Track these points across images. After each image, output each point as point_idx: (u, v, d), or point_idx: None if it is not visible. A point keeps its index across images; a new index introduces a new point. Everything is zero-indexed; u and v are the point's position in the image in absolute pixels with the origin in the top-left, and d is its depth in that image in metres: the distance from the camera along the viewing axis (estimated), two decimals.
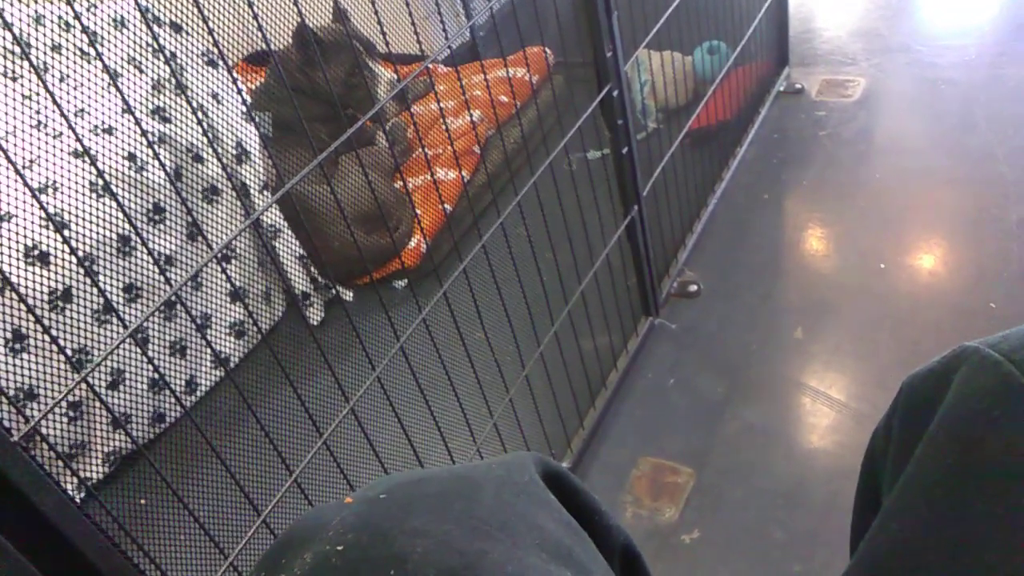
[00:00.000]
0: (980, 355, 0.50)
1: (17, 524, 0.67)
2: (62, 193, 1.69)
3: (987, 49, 2.56)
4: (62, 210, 1.67)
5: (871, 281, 1.87)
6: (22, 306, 1.59)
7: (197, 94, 1.90)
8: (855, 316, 1.80)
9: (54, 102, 0.66)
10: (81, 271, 1.67)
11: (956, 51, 2.58)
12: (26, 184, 0.62)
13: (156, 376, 1.83)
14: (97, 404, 1.75)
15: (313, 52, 2.11)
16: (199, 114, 1.90)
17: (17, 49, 2.02)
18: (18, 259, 1.62)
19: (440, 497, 0.44)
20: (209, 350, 1.95)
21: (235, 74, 1.98)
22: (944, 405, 0.50)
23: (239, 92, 0.94)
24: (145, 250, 1.76)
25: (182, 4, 1.84)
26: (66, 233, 1.66)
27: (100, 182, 1.72)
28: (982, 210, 1.97)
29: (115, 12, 1.89)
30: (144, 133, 0.77)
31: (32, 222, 1.65)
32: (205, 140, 1.88)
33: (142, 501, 1.81)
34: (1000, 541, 0.45)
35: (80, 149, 1.74)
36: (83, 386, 1.65)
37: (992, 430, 0.47)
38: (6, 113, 1.86)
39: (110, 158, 1.76)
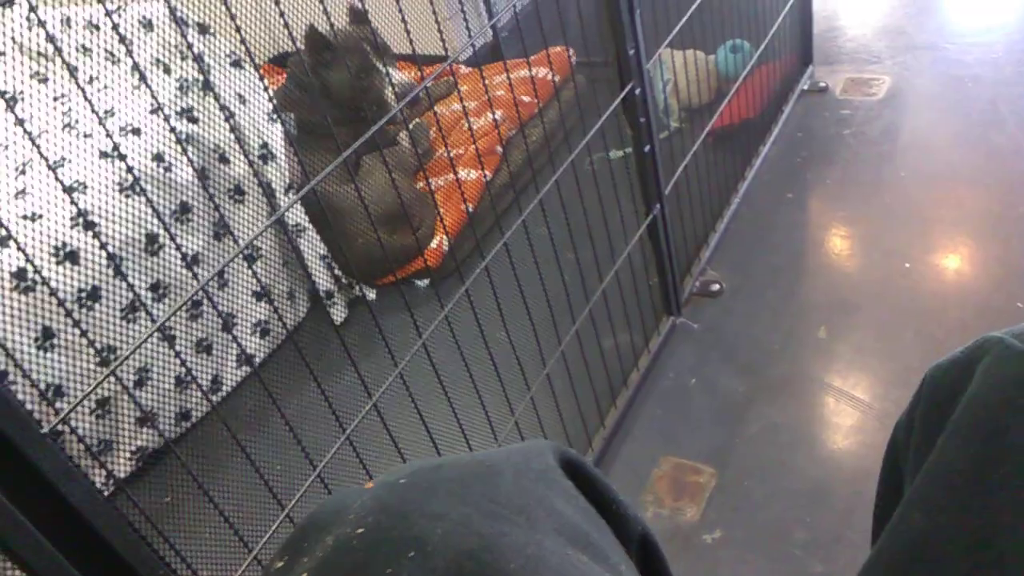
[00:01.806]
0: (1004, 345, 0.50)
1: (47, 516, 0.68)
2: (91, 192, 1.71)
3: (1014, 46, 2.53)
4: (90, 209, 1.70)
5: (896, 280, 1.85)
6: (51, 304, 1.62)
7: (223, 95, 1.92)
8: (879, 315, 1.79)
9: (86, 99, 0.67)
10: (109, 270, 1.69)
11: (982, 48, 2.55)
12: (59, 181, 0.64)
13: (182, 374, 1.85)
14: (123, 402, 1.77)
15: (321, 55, 2.12)
16: (225, 114, 1.92)
17: (47, 50, 2.05)
18: (47, 258, 1.64)
19: (459, 482, 0.44)
20: (234, 349, 1.97)
21: (261, 73, 1.99)
22: (967, 394, 0.50)
23: (265, 90, 0.95)
24: (172, 248, 1.78)
25: (208, 5, 1.86)
26: (95, 231, 1.69)
27: (128, 180, 1.74)
28: (1009, 208, 1.95)
29: (142, 14, 1.91)
30: (173, 130, 0.79)
31: (61, 221, 1.67)
32: (231, 140, 1.90)
33: (167, 499, 1.83)
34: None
35: (107, 150, 1.77)
36: (110, 383, 1.68)
37: (1016, 419, 0.47)
38: (37, 114, 1.89)
39: (137, 158, 1.78)
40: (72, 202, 0.61)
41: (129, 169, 0.68)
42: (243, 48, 1.60)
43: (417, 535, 0.40)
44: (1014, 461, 0.46)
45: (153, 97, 0.77)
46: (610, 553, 0.45)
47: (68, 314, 0.61)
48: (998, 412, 0.48)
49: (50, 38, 0.63)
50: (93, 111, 0.67)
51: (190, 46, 1.26)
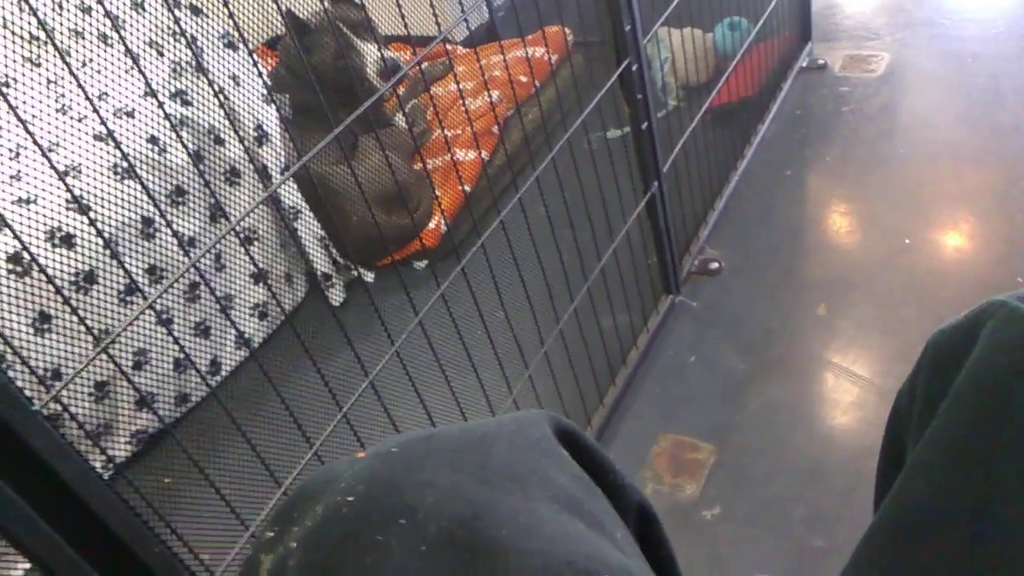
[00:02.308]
0: (1008, 308, 0.49)
1: (42, 495, 0.68)
2: (86, 176, 1.70)
3: (1014, 22, 2.51)
4: (85, 193, 1.69)
5: (895, 257, 1.85)
6: (47, 288, 1.61)
7: (217, 77, 1.90)
8: (879, 292, 1.78)
9: (79, 84, 0.66)
10: (105, 253, 1.69)
11: (982, 24, 2.54)
12: (53, 167, 0.63)
13: (180, 356, 1.85)
14: (122, 385, 1.77)
15: (302, 40, 2.10)
16: (220, 97, 1.91)
17: (40, 35, 2.04)
18: (42, 242, 1.64)
19: (451, 450, 0.44)
20: (232, 331, 1.97)
21: (255, 56, 1.98)
22: (971, 359, 0.49)
23: (260, 75, 0.94)
24: (168, 232, 1.78)
25: None
26: (90, 216, 1.68)
27: (123, 165, 1.74)
28: (1009, 184, 1.94)
29: None
30: (167, 116, 0.78)
31: (56, 205, 1.66)
32: (226, 122, 1.89)
33: (167, 480, 1.83)
34: None
35: (102, 132, 1.76)
36: (109, 366, 1.68)
37: (1021, 383, 0.46)
38: (30, 98, 1.87)
39: (132, 141, 1.77)
40: (67, 188, 0.60)
41: (124, 156, 0.67)
42: (233, 31, 1.59)
43: (408, 503, 0.40)
44: (1018, 426, 0.46)
45: (145, 81, 0.76)
46: (605, 520, 0.44)
47: (65, 301, 0.61)
48: (1002, 376, 0.47)
49: (41, 24, 0.63)
50: (87, 97, 0.66)
51: (183, 31, 1.25)
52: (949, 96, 2.30)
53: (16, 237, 0.63)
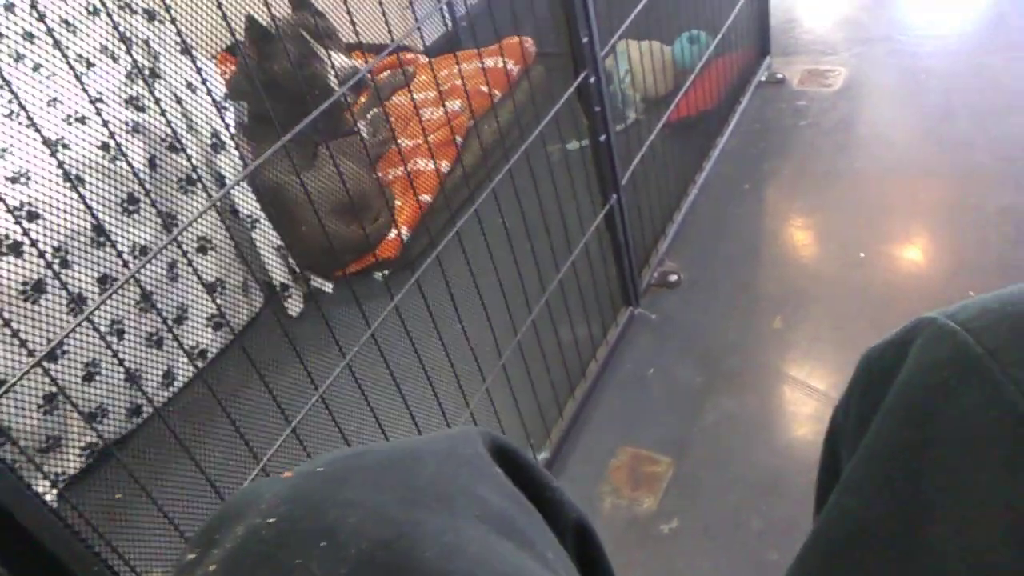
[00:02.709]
0: (936, 325, 0.49)
1: None
2: (35, 183, 1.66)
3: (968, 39, 2.56)
4: (34, 200, 1.65)
5: (851, 271, 1.87)
6: None
7: (173, 83, 1.87)
8: (835, 305, 1.80)
9: (74, 84, 0.64)
10: (55, 262, 1.65)
11: (937, 41, 2.58)
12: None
13: (132, 368, 1.81)
14: (72, 397, 1.73)
15: (263, 46, 2.08)
16: (174, 104, 1.88)
17: None
18: None
19: (377, 469, 0.43)
20: (185, 342, 1.93)
21: (209, 63, 1.96)
22: (899, 377, 0.49)
23: (204, 82, 0.92)
24: (120, 240, 1.74)
25: None
26: (39, 223, 1.64)
27: (74, 170, 1.70)
28: (962, 199, 1.98)
29: (87, 1, 1.86)
30: (106, 123, 0.76)
31: (2, 213, 1.62)
32: (181, 129, 1.86)
33: (118, 495, 1.79)
34: (954, 515, 0.45)
35: (52, 138, 1.72)
36: (58, 378, 1.63)
37: (947, 402, 0.46)
38: None
39: (83, 147, 1.73)
40: None
41: (61, 167, 0.65)
42: (196, 36, 1.57)
43: (329, 525, 0.39)
44: (943, 444, 0.46)
45: (85, 91, 0.74)
46: (536, 540, 0.44)
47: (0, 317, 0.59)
48: (929, 394, 0.47)
49: None
50: (21, 110, 0.64)
51: (146, 37, 1.24)
52: (904, 111, 2.34)
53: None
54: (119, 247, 1.76)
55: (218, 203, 1.92)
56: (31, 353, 0.67)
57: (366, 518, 0.39)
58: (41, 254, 0.78)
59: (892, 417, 0.49)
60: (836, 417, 0.60)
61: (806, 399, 1.62)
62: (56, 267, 1.65)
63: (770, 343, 1.75)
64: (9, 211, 0.65)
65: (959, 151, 2.12)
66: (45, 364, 1.57)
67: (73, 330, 0.70)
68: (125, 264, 0.72)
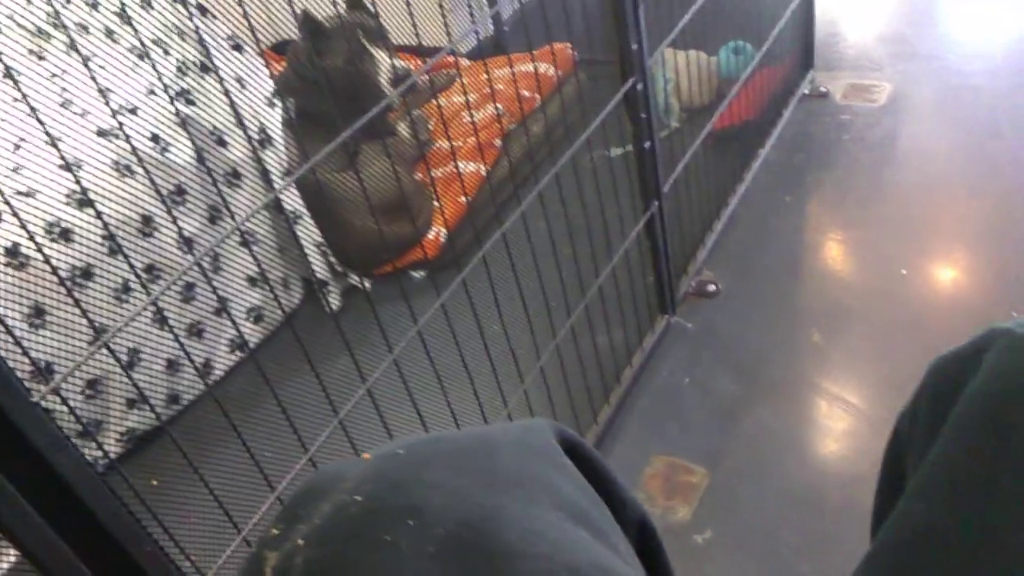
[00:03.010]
0: (1012, 335, 0.49)
1: (35, 487, 0.67)
2: (86, 171, 1.70)
3: (1013, 57, 2.53)
4: (86, 188, 1.68)
5: (891, 286, 1.85)
6: (42, 282, 1.60)
7: (222, 78, 1.90)
8: (874, 321, 1.79)
9: (94, 78, 0.66)
10: (103, 249, 1.68)
11: (982, 59, 2.56)
12: (63, 157, 0.63)
13: (173, 357, 1.83)
14: (113, 383, 1.76)
15: (316, 42, 2.10)
16: (225, 98, 1.91)
17: (46, 29, 2.03)
18: (41, 235, 1.63)
19: (457, 454, 0.44)
20: (226, 333, 1.96)
21: (258, 59, 1.98)
22: (973, 384, 0.49)
23: (271, 76, 0.94)
24: (166, 230, 1.77)
25: None
26: (90, 211, 1.67)
27: (124, 161, 1.73)
28: (1004, 218, 1.95)
29: None
30: (178, 112, 0.78)
31: (56, 199, 1.66)
32: (229, 123, 1.89)
33: (154, 482, 1.81)
34: None
35: (104, 128, 1.75)
36: (101, 363, 1.66)
37: (1022, 409, 0.46)
38: (33, 91, 1.87)
39: (134, 138, 1.76)
40: (76, 180, 0.60)
41: (133, 150, 0.67)
42: (245, 31, 1.59)
43: (416, 504, 0.39)
44: (1020, 451, 0.46)
45: (157, 73, 0.76)
46: (609, 532, 0.44)
47: (68, 292, 0.60)
48: (1005, 402, 0.47)
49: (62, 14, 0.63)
50: (101, 91, 0.66)
51: (199, 34, 1.25)
52: (949, 129, 2.32)
53: (23, 226, 0.63)
54: (166, 238, 1.78)
55: (264, 198, 1.95)
56: (98, 336, 0.68)
57: (451, 499, 0.40)
58: (110, 235, 0.79)
59: (965, 425, 0.49)
60: (900, 425, 0.60)
61: (842, 414, 1.61)
62: (104, 254, 1.68)
63: (808, 356, 1.74)
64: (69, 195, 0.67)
65: (1004, 170, 2.10)
66: (91, 349, 1.60)
67: (138, 314, 0.72)
68: (191, 251, 0.73)
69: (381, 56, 2.16)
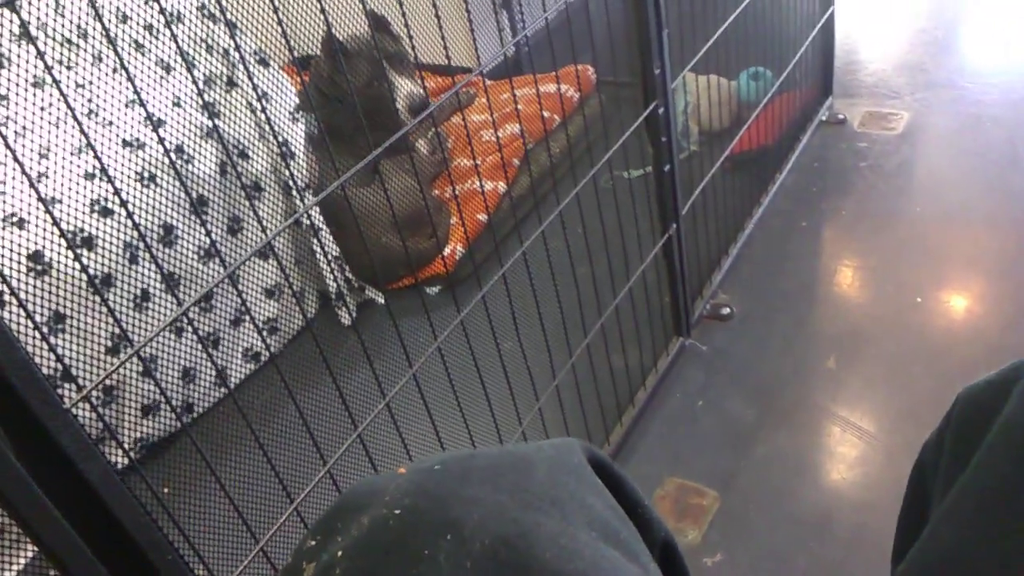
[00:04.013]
0: None
1: (62, 493, 0.68)
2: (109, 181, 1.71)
3: None
4: (108, 197, 1.70)
5: (907, 314, 1.85)
6: (62, 289, 1.62)
7: (248, 92, 1.92)
8: (889, 348, 1.78)
9: (129, 80, 0.67)
10: (124, 258, 1.70)
11: (1001, 89, 2.56)
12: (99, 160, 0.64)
13: (188, 365, 1.85)
14: (128, 391, 1.77)
15: (337, 61, 2.13)
16: (256, 109, 1.93)
17: (73, 39, 2.06)
18: (62, 243, 1.64)
19: (493, 470, 0.44)
20: (241, 344, 1.97)
21: (286, 74, 2.00)
22: (1004, 415, 0.50)
23: (301, 88, 0.95)
24: (187, 240, 1.79)
25: (236, 3, 1.87)
26: (111, 220, 1.69)
27: (147, 171, 1.75)
28: (1021, 248, 1.95)
29: (171, 6, 1.92)
30: (212, 119, 0.79)
31: (79, 207, 1.67)
32: (252, 136, 1.91)
33: (165, 490, 1.82)
34: None
35: (129, 138, 1.78)
36: (118, 370, 1.67)
37: None
38: (60, 100, 1.89)
39: (158, 149, 1.79)
40: (112, 183, 0.61)
41: (167, 153, 0.68)
42: (271, 47, 1.61)
43: (454, 518, 0.40)
44: None
45: (192, 80, 0.78)
46: (639, 552, 0.45)
47: (97, 291, 0.62)
48: None
49: (92, 27, 0.64)
50: (135, 94, 0.67)
51: (237, 47, 1.27)
52: (967, 158, 2.32)
53: (56, 226, 0.64)
54: (187, 247, 1.80)
55: (283, 212, 1.96)
56: (130, 343, 0.69)
57: (488, 515, 0.40)
58: (140, 235, 0.81)
59: (995, 454, 0.50)
60: (925, 453, 0.60)
61: (856, 440, 1.61)
62: (125, 262, 1.69)
63: (822, 382, 1.74)
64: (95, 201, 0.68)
65: (1021, 200, 2.10)
66: (107, 357, 1.61)
67: (171, 324, 0.73)
68: (223, 262, 0.74)
69: (400, 82, 2.18)
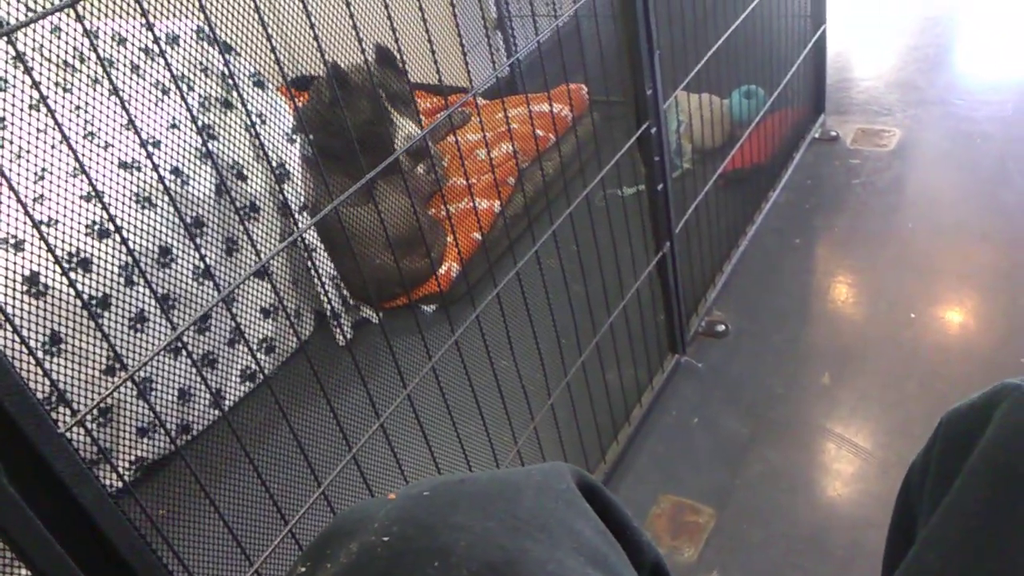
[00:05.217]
0: (1021, 391, 0.50)
1: (55, 516, 0.68)
2: (107, 202, 1.72)
3: (1023, 103, 2.56)
4: (105, 219, 1.71)
5: (900, 331, 1.86)
6: (60, 310, 1.62)
7: (244, 114, 1.94)
8: (883, 365, 1.79)
9: (122, 106, 0.68)
10: (120, 280, 1.70)
11: (992, 105, 2.58)
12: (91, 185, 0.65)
13: (184, 386, 1.85)
14: (124, 412, 1.77)
15: (336, 94, 2.14)
16: (250, 132, 1.94)
17: (72, 62, 2.08)
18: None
19: (482, 496, 0.45)
20: (238, 364, 1.97)
21: (283, 96, 2.02)
22: (985, 439, 0.51)
23: (296, 110, 0.96)
24: (183, 261, 1.79)
25: (232, 24, 1.88)
26: (108, 242, 1.70)
27: (144, 192, 1.76)
28: (1015, 264, 1.96)
29: (169, 30, 1.94)
30: (205, 141, 0.80)
31: (76, 229, 1.68)
32: (249, 157, 1.92)
33: (162, 512, 1.82)
34: None
35: (126, 160, 1.79)
36: (114, 391, 1.68)
37: None
38: (57, 123, 1.91)
39: (155, 171, 1.80)
40: (103, 206, 0.62)
41: (161, 180, 0.69)
42: (268, 69, 1.62)
43: (441, 546, 0.40)
44: None
45: (185, 104, 0.79)
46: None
47: (91, 315, 0.62)
48: (1015, 457, 0.48)
49: (91, 50, 0.65)
50: (128, 123, 0.68)
51: (231, 74, 1.29)
52: (959, 175, 2.34)
53: (51, 252, 0.65)
54: (183, 269, 1.81)
55: (280, 232, 1.97)
56: (124, 367, 0.70)
57: (476, 542, 0.41)
58: (134, 261, 0.81)
59: (977, 477, 0.50)
60: (911, 475, 0.61)
61: (852, 457, 1.61)
62: (121, 284, 1.70)
63: (817, 399, 1.75)
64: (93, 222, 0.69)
65: (1014, 216, 2.11)
66: (104, 378, 1.61)
67: (169, 344, 0.73)
68: (217, 286, 0.75)
69: (401, 123, 2.19)
